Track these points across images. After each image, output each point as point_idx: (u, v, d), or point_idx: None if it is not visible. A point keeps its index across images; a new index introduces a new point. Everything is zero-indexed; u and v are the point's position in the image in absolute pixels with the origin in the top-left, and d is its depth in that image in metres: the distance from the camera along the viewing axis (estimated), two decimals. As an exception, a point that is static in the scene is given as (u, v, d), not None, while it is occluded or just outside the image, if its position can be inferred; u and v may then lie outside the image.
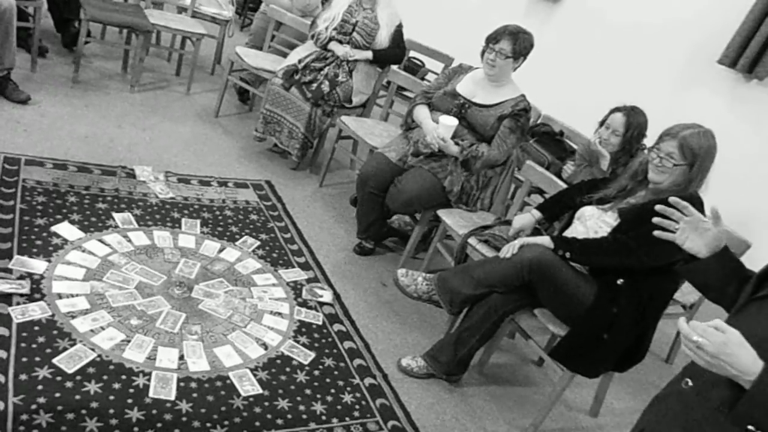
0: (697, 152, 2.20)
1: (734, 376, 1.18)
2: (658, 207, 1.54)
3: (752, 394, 1.16)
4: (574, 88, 4.84)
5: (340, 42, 3.86)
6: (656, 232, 1.53)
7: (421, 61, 5.95)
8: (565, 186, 2.90)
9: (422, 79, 5.58)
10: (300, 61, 3.86)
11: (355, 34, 3.84)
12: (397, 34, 3.94)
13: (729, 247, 1.51)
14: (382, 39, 3.89)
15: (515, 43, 3.04)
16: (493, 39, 3.08)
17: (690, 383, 1.31)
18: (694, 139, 2.20)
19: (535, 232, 2.74)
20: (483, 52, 3.14)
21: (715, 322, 1.20)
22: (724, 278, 1.47)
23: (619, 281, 2.32)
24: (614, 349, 2.36)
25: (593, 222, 2.49)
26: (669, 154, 2.24)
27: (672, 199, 1.53)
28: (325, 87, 3.78)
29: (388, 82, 4.17)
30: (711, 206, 1.49)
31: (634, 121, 3.04)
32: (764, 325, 1.21)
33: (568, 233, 2.57)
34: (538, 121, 3.92)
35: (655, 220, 1.53)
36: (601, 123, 3.20)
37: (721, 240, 1.51)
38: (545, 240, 2.46)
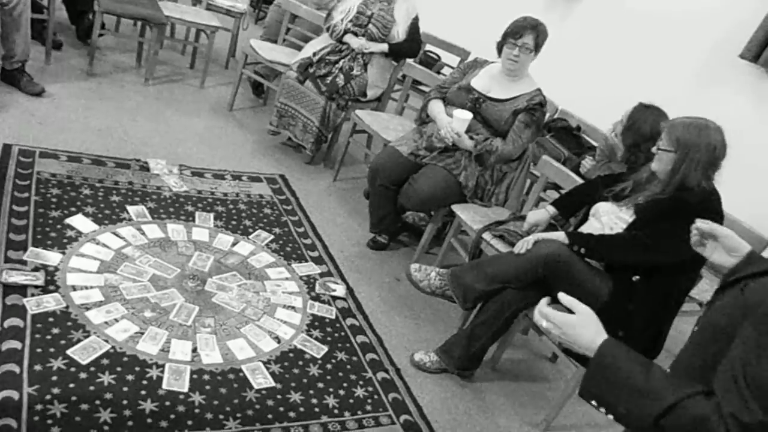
0: (683, 142, 2.18)
1: (582, 351, 1.26)
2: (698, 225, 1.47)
3: (589, 371, 1.23)
4: (593, 83, 4.79)
5: (356, 34, 3.84)
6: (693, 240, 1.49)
7: (437, 55, 5.92)
8: (581, 181, 2.86)
9: (438, 72, 5.56)
10: (315, 54, 3.85)
11: (370, 26, 3.82)
12: (413, 27, 3.91)
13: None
14: (398, 34, 3.86)
15: (537, 37, 3.01)
16: (515, 34, 3.03)
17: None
18: (680, 128, 2.20)
19: (550, 227, 2.71)
20: (500, 47, 3.11)
21: (569, 302, 1.32)
22: None
23: (635, 278, 2.29)
24: (630, 346, 2.33)
25: (608, 218, 2.46)
26: (661, 139, 2.24)
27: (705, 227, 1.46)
28: (340, 80, 3.77)
29: (404, 76, 4.15)
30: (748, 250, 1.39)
31: (637, 114, 2.94)
32: (716, 315, 1.22)
33: (584, 229, 2.54)
34: (555, 116, 3.88)
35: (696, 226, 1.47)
36: None
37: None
38: (560, 235, 2.43)
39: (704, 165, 2.19)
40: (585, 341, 1.25)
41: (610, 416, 1.20)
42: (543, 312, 1.33)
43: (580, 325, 1.27)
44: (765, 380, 1.04)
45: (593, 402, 1.23)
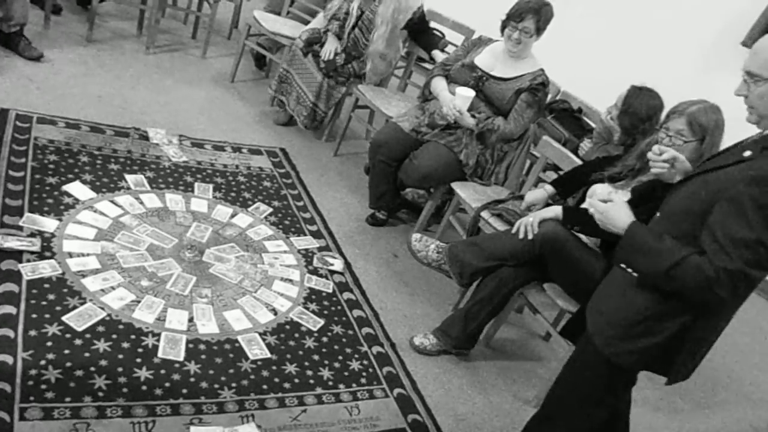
0: (706, 126, 2.19)
1: (615, 231, 1.71)
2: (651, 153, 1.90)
3: (621, 243, 1.68)
4: (595, 66, 4.75)
5: (339, 36, 3.79)
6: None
7: (441, 33, 5.86)
8: (580, 163, 2.86)
9: (442, 50, 5.50)
10: (324, 31, 3.82)
11: (356, 30, 3.76)
12: (421, 19, 3.88)
13: None
14: (377, 37, 3.77)
15: (539, 21, 2.97)
16: (516, 17, 3.00)
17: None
18: (701, 114, 2.20)
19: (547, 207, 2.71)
20: (503, 27, 3.08)
21: (607, 194, 1.90)
22: None
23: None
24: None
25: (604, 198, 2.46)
26: (678, 131, 2.22)
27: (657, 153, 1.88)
28: (340, 59, 3.74)
29: (408, 53, 4.11)
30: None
31: (632, 99, 2.93)
32: (684, 201, 1.63)
33: (581, 210, 2.54)
34: (557, 98, 3.86)
35: (649, 155, 1.91)
36: None
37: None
38: (556, 210, 2.44)
39: (718, 145, 2.21)
40: (619, 222, 1.69)
41: (635, 274, 1.69)
42: (590, 203, 1.81)
43: (614, 209, 1.72)
44: (737, 235, 1.46)
45: (623, 264, 1.74)
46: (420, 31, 3.96)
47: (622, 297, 1.74)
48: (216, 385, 2.14)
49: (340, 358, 2.45)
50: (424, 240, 2.72)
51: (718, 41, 4.35)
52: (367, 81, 3.87)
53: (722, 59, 4.33)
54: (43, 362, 1.99)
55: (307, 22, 4.23)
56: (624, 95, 2.89)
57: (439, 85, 3.23)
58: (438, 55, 3.91)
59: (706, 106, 2.22)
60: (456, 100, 3.07)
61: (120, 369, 2.07)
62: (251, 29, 4.29)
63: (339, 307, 2.71)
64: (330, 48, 3.75)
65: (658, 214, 1.73)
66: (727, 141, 2.25)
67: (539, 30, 3.00)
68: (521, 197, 2.84)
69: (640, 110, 2.73)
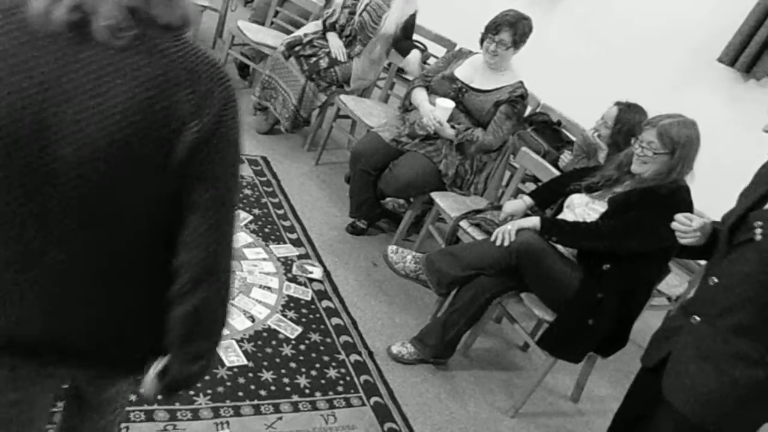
0: (677, 140, 2.21)
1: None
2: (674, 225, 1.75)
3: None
4: (574, 79, 4.83)
5: (342, 30, 3.84)
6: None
7: (423, 45, 5.92)
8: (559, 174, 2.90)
9: (424, 62, 5.55)
10: (306, 35, 3.86)
11: (364, 14, 3.80)
12: (408, 24, 3.91)
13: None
14: (390, 24, 3.83)
15: (515, 34, 3.02)
16: (493, 29, 3.05)
17: (698, 318, 1.64)
18: (673, 128, 2.22)
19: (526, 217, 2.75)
20: (481, 40, 3.13)
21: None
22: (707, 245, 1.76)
23: (605, 266, 2.34)
24: (598, 334, 2.38)
25: (582, 209, 2.50)
26: (649, 143, 2.25)
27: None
28: (323, 63, 3.77)
29: (389, 64, 4.15)
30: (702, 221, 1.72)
31: (625, 117, 2.99)
32: (742, 264, 1.56)
33: (558, 221, 2.58)
34: (537, 110, 3.91)
35: (674, 226, 1.75)
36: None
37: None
38: (534, 220, 2.47)
39: (692, 159, 2.24)
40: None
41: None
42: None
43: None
44: None
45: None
46: (402, 38, 4.00)
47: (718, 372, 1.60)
48: (191, 392, 2.14)
49: (318, 366, 2.47)
50: (400, 252, 2.74)
51: (696, 57, 4.43)
52: (352, 84, 3.90)
53: (699, 75, 4.41)
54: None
55: (291, 33, 4.26)
56: (613, 114, 2.94)
57: (420, 96, 3.27)
58: (409, 62, 3.96)
59: (680, 120, 2.24)
60: (436, 111, 3.11)
61: (96, 374, 2.07)
62: (235, 39, 4.31)
63: (317, 315, 2.72)
64: (336, 46, 3.79)
65: (715, 280, 1.62)
66: (702, 157, 2.31)
67: (516, 43, 3.04)
68: (500, 207, 2.87)
69: (634, 127, 2.78)
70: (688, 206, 2.19)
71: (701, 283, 1.68)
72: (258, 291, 2.72)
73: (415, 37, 4.30)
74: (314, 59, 3.77)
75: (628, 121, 2.84)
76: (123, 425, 1.94)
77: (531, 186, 3.53)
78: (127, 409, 1.99)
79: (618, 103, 3.13)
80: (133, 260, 1.08)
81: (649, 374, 1.82)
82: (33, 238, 1.00)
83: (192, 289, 1.06)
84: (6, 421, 1.18)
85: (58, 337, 1.10)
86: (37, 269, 1.03)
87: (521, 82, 3.15)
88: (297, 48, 3.82)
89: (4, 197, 0.97)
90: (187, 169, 1.00)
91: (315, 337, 2.60)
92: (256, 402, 2.20)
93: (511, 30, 3.01)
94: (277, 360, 2.41)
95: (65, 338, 1.10)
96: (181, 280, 1.06)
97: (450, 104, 3.10)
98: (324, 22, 3.91)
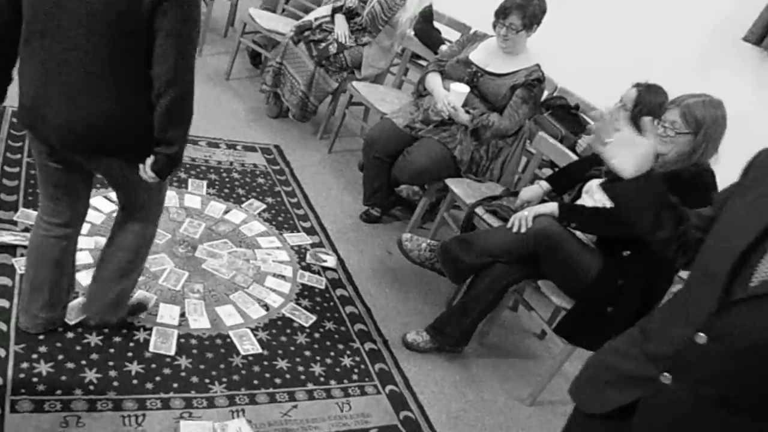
0: (701, 120, 2.13)
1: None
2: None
3: None
4: (593, 61, 4.75)
5: (354, 15, 3.80)
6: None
7: (437, 30, 5.86)
8: (576, 159, 2.85)
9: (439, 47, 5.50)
10: (316, 19, 3.83)
11: (375, 4, 3.76)
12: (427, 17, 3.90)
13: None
14: (404, 20, 3.80)
15: (524, 16, 2.95)
16: (501, 13, 2.99)
17: (669, 377, 1.21)
18: (698, 107, 2.13)
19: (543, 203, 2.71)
20: (494, 25, 3.07)
21: None
22: (646, 209, 1.42)
23: (625, 253, 2.29)
24: (618, 322, 2.34)
25: (601, 195, 2.45)
26: (672, 122, 2.18)
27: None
28: (333, 48, 3.74)
29: (403, 50, 4.11)
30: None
31: (645, 98, 2.93)
32: (753, 325, 1.11)
33: (576, 206, 2.53)
34: (554, 94, 3.85)
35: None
36: None
37: (650, 160, 1.39)
38: (552, 206, 2.43)
39: (718, 140, 2.17)
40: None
41: None
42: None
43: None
44: None
45: None
46: (426, 30, 3.96)
47: None
48: (207, 380, 2.13)
49: (332, 354, 2.45)
50: (415, 239, 2.71)
51: (720, 36, 4.32)
52: (363, 72, 3.86)
53: (723, 55, 4.31)
54: (35, 355, 1.99)
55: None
56: (632, 96, 2.87)
57: (434, 80, 3.22)
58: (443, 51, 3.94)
59: (705, 100, 2.15)
60: (450, 96, 3.06)
61: (111, 363, 2.07)
62: (247, 27, 4.29)
63: (331, 304, 2.70)
64: (342, 29, 3.76)
65: (703, 337, 1.15)
66: (728, 139, 2.24)
67: (527, 26, 2.97)
68: (516, 194, 2.83)
69: (656, 108, 2.72)
70: (712, 190, 2.13)
71: (676, 332, 1.22)
72: (272, 279, 2.70)
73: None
74: (323, 44, 3.74)
75: (648, 102, 2.76)
76: (139, 412, 1.94)
77: (548, 172, 3.48)
78: (143, 396, 1.99)
79: (637, 85, 3.06)
80: (129, 66, 1.61)
81: (591, 422, 1.40)
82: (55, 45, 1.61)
83: (164, 91, 1.60)
84: (54, 197, 1.90)
85: (82, 125, 1.67)
86: (64, 67, 1.61)
87: (538, 65, 3.09)
88: (306, 33, 3.79)
89: (33, 18, 1.60)
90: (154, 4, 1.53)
91: (329, 325, 2.58)
92: (271, 390, 2.19)
93: (521, 12, 2.94)
94: (292, 348, 2.40)
95: (86, 126, 1.67)
96: (156, 85, 1.60)
97: (465, 89, 3.06)
98: (333, 7, 3.88)
